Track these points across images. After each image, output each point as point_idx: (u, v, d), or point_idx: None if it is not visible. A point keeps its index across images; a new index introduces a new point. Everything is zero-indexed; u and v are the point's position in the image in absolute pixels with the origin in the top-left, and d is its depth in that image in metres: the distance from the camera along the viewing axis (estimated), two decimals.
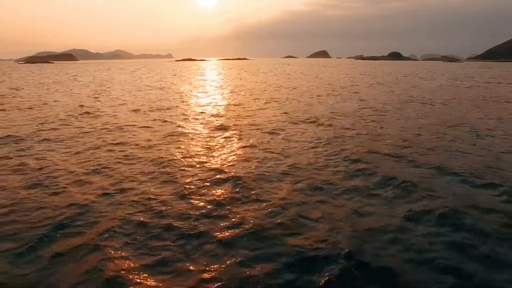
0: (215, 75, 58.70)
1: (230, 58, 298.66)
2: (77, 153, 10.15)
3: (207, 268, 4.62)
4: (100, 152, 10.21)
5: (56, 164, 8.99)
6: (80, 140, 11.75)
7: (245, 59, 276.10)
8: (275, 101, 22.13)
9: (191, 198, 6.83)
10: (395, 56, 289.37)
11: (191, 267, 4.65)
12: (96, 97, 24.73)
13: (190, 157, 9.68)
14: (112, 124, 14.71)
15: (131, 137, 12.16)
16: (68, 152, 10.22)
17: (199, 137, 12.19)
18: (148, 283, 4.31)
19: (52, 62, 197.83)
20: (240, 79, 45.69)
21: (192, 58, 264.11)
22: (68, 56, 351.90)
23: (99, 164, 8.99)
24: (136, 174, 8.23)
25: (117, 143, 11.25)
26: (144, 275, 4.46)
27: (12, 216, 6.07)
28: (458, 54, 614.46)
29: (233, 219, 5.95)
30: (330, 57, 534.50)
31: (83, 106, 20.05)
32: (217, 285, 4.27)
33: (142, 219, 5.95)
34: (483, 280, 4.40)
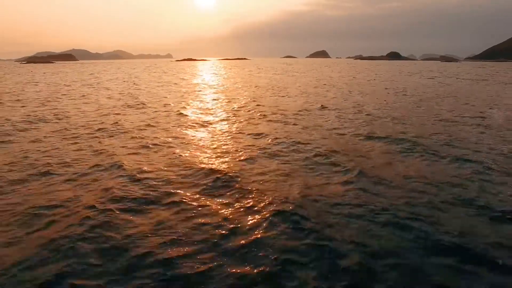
0: (225, 74, 61.91)
1: (230, 58, 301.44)
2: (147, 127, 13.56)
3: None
4: (184, 128, 13.56)
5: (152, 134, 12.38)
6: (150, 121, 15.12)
7: (245, 59, 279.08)
8: (290, 93, 25.54)
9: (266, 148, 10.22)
10: (394, 56, 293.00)
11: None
12: (137, 95, 27.89)
13: (250, 129, 13.12)
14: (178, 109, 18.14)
15: (190, 119, 15.57)
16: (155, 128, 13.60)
17: (247, 119, 15.59)
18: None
19: (54, 62, 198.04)
20: (251, 77, 49.14)
21: (192, 58, 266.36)
22: (68, 56, 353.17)
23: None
24: (217, 136, 11.61)
25: (184, 123, 14.61)
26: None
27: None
28: (457, 54, 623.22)
29: (284, 157, 9.38)
30: (330, 57, 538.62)
31: (133, 98, 23.43)
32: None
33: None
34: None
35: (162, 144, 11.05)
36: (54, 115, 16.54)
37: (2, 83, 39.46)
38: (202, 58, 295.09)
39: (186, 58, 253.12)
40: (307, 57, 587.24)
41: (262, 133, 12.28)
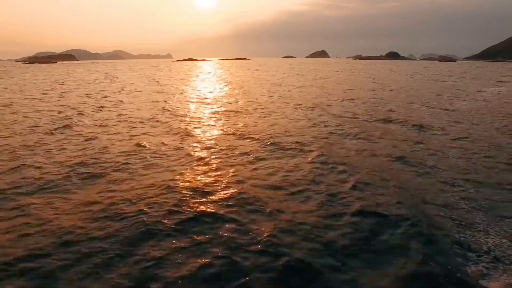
0: (233, 72, 64.85)
1: (230, 58, 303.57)
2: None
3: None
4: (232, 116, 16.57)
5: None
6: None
7: (244, 59, 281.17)
8: (303, 89, 28.61)
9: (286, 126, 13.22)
10: (393, 56, 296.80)
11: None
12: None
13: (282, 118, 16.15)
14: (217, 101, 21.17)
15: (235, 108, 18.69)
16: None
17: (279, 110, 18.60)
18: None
19: (55, 62, 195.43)
20: (262, 75, 52.36)
21: (193, 58, 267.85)
22: (68, 56, 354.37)
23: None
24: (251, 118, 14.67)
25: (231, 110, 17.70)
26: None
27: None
28: (457, 53, 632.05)
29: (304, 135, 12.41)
30: (329, 57, 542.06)
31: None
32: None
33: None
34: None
35: (217, 121, 14.05)
36: (113, 105, 20.21)
37: (30, 80, 42.32)
38: (203, 58, 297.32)
39: (186, 58, 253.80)
40: (306, 57, 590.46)
41: (295, 118, 15.66)
